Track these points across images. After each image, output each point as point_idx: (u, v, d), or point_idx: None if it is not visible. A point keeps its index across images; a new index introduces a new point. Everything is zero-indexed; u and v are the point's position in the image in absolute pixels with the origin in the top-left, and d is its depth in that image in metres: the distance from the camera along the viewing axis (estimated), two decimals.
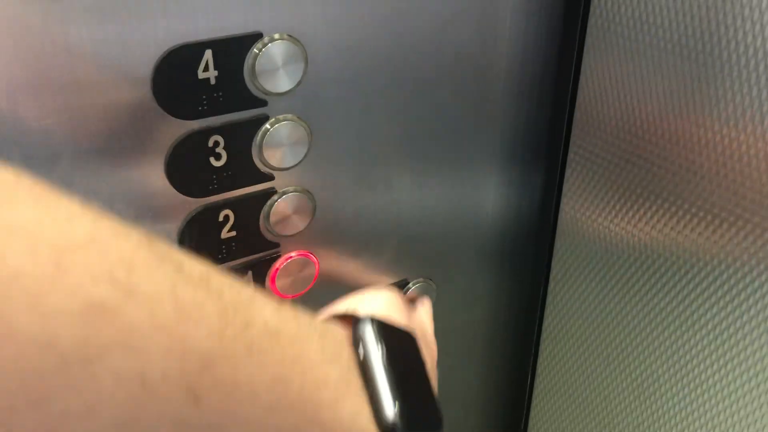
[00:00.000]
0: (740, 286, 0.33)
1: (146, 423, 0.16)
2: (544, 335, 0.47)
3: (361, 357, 0.24)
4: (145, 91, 0.28)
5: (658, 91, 0.34)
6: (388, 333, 0.26)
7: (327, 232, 0.37)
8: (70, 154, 0.28)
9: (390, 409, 0.23)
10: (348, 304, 0.31)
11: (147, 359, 0.16)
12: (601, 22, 0.36)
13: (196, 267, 0.19)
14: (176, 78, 0.28)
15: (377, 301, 0.30)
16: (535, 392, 0.49)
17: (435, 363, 0.30)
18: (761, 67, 0.29)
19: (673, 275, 0.37)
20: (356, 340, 0.25)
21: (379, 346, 0.25)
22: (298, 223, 0.35)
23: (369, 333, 0.25)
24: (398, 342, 0.26)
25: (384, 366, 0.24)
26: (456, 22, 0.35)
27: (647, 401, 0.42)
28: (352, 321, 0.26)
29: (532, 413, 0.51)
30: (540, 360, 0.48)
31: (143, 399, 0.16)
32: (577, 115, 0.40)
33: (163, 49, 0.27)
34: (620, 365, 0.42)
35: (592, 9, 0.36)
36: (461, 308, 0.46)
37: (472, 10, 0.35)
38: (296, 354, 0.21)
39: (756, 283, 0.33)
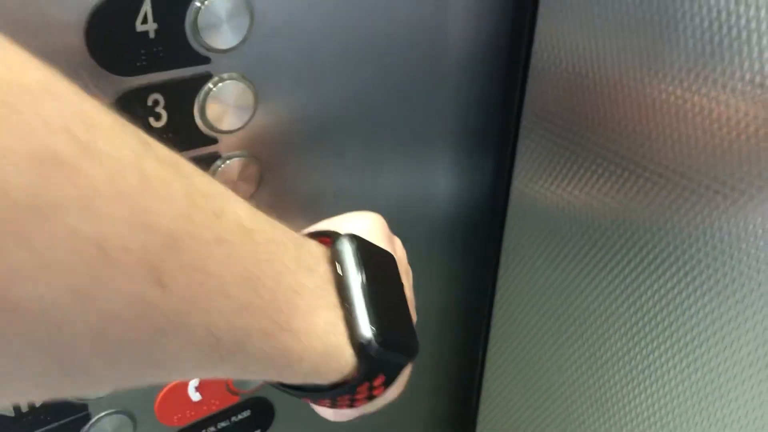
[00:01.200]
0: (692, 250, 0.33)
1: (103, 296, 0.15)
2: (495, 309, 0.47)
3: (340, 273, 0.23)
4: (79, 42, 0.26)
5: (610, 55, 0.34)
6: (369, 252, 0.25)
7: (272, 200, 0.35)
8: None
9: (366, 327, 0.22)
10: (330, 223, 0.30)
11: (106, 226, 0.14)
12: None
13: (164, 149, 0.17)
14: (112, 30, 0.27)
15: (360, 222, 0.29)
16: (487, 368, 0.49)
17: (411, 290, 0.29)
18: (714, 27, 0.29)
19: (625, 243, 0.37)
20: (335, 257, 0.24)
21: (359, 264, 0.23)
22: (243, 191, 0.33)
23: (348, 250, 0.24)
24: (378, 262, 0.25)
25: (362, 283, 0.23)
26: (413, 16, 0.34)
27: (600, 372, 0.42)
28: (331, 239, 0.24)
29: (484, 388, 0.51)
30: (492, 333, 0.48)
31: (101, 269, 0.14)
32: (528, 87, 0.40)
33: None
34: (572, 337, 0.42)
35: None
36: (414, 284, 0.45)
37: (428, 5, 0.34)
38: (270, 256, 0.20)
39: (708, 247, 0.33)
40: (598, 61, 0.35)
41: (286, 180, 0.35)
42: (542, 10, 0.37)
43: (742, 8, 0.28)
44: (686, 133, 0.32)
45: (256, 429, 0.42)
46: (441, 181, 0.43)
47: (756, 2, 0.28)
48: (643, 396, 0.39)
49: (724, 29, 0.29)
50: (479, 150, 0.43)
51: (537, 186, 0.41)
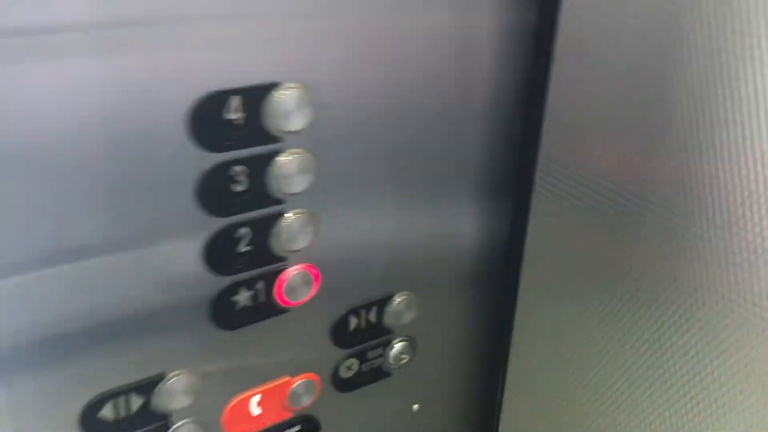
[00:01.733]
0: (711, 302, 0.40)
1: None
2: (513, 348, 0.53)
3: None
4: (180, 127, 0.34)
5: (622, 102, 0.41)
6: None
7: (327, 249, 0.42)
8: (112, 183, 0.34)
9: None
10: None
11: None
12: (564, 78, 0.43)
13: None
14: (209, 118, 0.34)
15: None
16: (506, 391, 0.55)
17: None
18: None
19: (639, 288, 0.43)
20: None
21: None
22: (303, 241, 0.41)
23: None
24: None
25: None
26: (438, 77, 0.42)
27: (612, 416, 0.48)
28: None
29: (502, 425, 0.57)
30: (510, 370, 0.54)
31: None
32: (540, 156, 0.46)
33: (200, 92, 0.34)
34: (585, 379, 0.48)
35: (555, 60, 0.43)
36: (442, 319, 0.52)
37: (453, 68, 0.42)
38: None
39: (725, 300, 0.39)
40: (611, 108, 0.41)
41: (337, 233, 0.42)
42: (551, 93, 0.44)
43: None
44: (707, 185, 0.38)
45: None
46: (463, 225, 0.49)
47: None
48: None
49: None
50: (498, 196, 0.50)
51: (553, 229, 0.47)
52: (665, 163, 0.39)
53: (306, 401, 0.47)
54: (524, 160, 0.48)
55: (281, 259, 0.41)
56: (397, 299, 0.47)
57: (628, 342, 0.45)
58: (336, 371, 0.47)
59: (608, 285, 0.45)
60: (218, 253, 0.38)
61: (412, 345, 0.50)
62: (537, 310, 0.51)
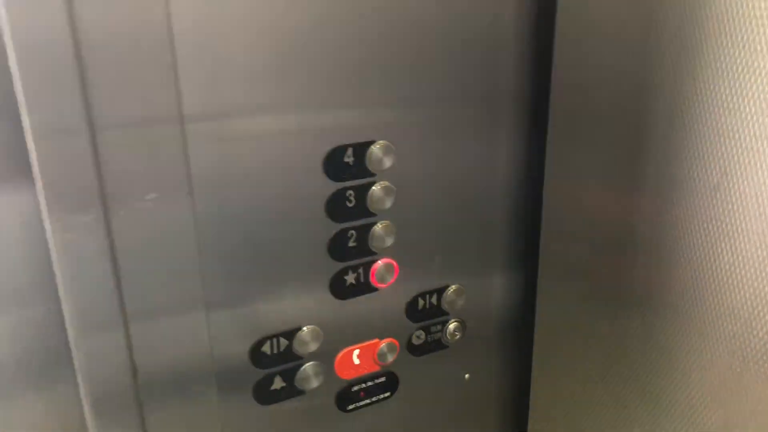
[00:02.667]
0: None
1: None
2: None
3: None
4: (319, 166, 0.57)
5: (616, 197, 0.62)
6: None
7: (403, 249, 0.65)
8: (280, 201, 0.57)
9: None
10: None
11: None
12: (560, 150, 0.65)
13: None
14: (335, 161, 0.58)
15: None
16: (534, 368, 0.75)
17: None
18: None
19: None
20: None
21: None
22: (388, 242, 0.63)
23: None
24: None
25: None
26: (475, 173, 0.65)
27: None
28: None
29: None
30: (536, 341, 0.74)
31: None
32: (543, 227, 0.68)
33: (330, 145, 0.57)
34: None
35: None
36: (485, 306, 0.73)
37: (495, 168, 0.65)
38: None
39: None
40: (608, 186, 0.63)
41: (412, 238, 0.65)
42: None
43: None
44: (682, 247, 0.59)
45: (387, 391, 0.70)
46: (499, 235, 0.71)
47: None
48: None
49: None
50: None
51: (560, 302, 0.68)
52: None
53: (389, 359, 0.68)
54: (532, 233, 0.70)
55: (374, 253, 0.63)
56: (451, 288, 0.69)
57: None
58: (409, 338, 0.69)
59: (620, 360, 0.65)
60: (336, 246, 0.61)
61: (462, 325, 0.71)
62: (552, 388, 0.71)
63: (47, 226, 0.49)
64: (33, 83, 0.45)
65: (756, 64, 0.48)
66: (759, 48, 0.48)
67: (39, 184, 0.48)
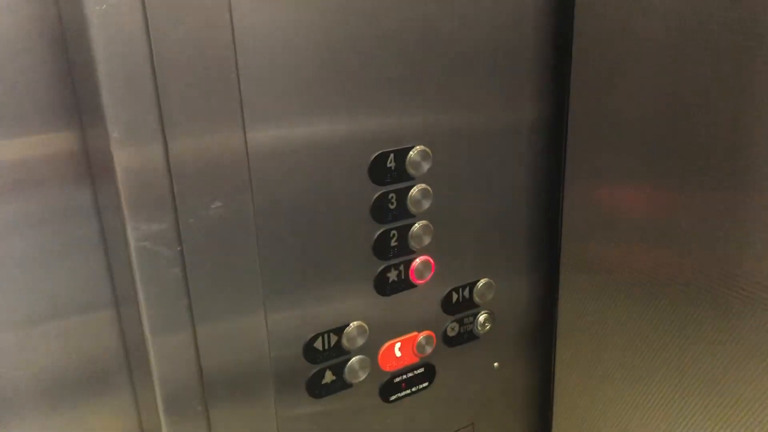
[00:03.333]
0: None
1: None
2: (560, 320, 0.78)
3: None
4: (365, 171, 0.62)
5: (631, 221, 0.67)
6: None
7: (439, 247, 0.69)
8: (327, 204, 0.61)
9: None
10: None
11: None
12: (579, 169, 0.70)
13: None
14: (379, 166, 0.62)
15: None
16: (557, 359, 0.79)
17: None
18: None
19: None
20: None
21: None
22: (426, 241, 0.68)
23: None
24: None
25: None
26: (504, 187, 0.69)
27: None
28: None
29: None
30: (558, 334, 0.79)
31: None
32: (564, 224, 0.73)
33: (374, 151, 0.62)
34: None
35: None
36: (513, 299, 0.78)
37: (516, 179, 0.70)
38: None
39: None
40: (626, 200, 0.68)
41: (445, 238, 0.69)
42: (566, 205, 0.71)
43: None
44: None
45: (425, 381, 0.74)
46: (524, 235, 0.76)
47: None
48: None
49: None
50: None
51: (582, 305, 0.73)
52: None
53: (428, 351, 0.72)
54: (551, 240, 0.75)
55: (413, 251, 0.68)
56: (482, 282, 0.74)
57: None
58: (444, 331, 0.73)
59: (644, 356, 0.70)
60: (380, 246, 0.65)
61: (492, 317, 0.76)
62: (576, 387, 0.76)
63: (128, 233, 0.53)
64: (115, 94, 0.49)
65: None
66: None
67: (121, 193, 0.52)
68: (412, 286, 0.69)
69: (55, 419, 0.67)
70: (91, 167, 0.60)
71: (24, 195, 0.59)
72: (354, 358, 0.68)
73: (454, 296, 0.72)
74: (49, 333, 0.63)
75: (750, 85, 0.55)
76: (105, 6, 0.48)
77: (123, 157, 0.51)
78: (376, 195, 0.63)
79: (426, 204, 0.66)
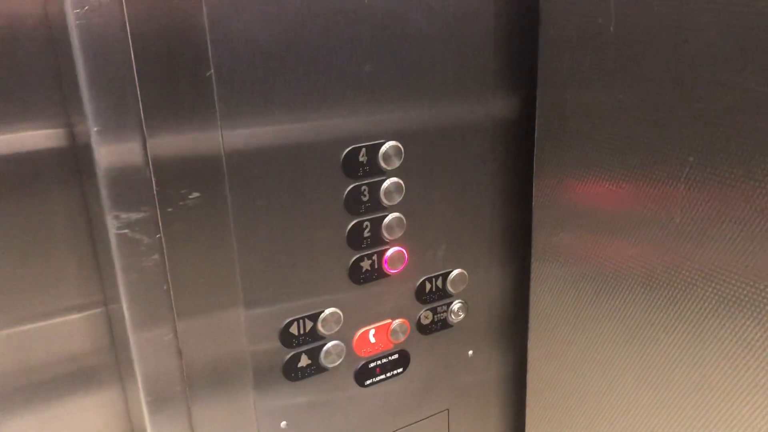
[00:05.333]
0: None
1: None
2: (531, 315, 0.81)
3: None
4: (338, 165, 0.65)
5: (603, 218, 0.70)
6: None
7: (412, 238, 0.72)
8: (304, 196, 0.65)
9: None
10: None
11: None
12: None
13: None
14: (353, 160, 0.65)
15: None
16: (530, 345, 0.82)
17: None
18: None
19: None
20: None
21: None
22: (398, 233, 0.71)
23: None
24: None
25: None
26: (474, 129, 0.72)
27: None
28: None
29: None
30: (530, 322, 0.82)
31: None
32: (534, 217, 0.76)
33: (347, 146, 0.65)
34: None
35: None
36: (486, 289, 0.81)
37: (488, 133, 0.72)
38: None
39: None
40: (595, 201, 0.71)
41: (418, 230, 0.72)
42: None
43: None
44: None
45: (400, 367, 0.77)
46: (499, 221, 0.79)
47: None
48: None
49: None
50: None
51: (552, 296, 0.76)
52: None
53: (401, 338, 0.75)
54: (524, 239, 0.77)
55: (386, 242, 0.71)
56: (454, 273, 0.77)
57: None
58: (418, 319, 0.76)
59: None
60: (353, 237, 0.68)
61: (465, 306, 0.79)
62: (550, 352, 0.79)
63: (108, 221, 0.56)
64: (96, 90, 0.53)
65: None
66: None
67: (101, 183, 0.55)
68: (386, 275, 0.72)
69: (46, 416, 0.71)
70: (78, 163, 0.63)
71: (15, 191, 0.63)
72: (329, 343, 0.71)
73: (428, 286, 0.75)
74: (40, 331, 0.67)
75: (711, 77, 0.57)
76: (87, 7, 0.51)
77: (104, 150, 0.54)
78: (349, 188, 0.66)
79: (398, 197, 0.69)
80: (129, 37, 0.52)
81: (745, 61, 0.54)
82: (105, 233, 0.58)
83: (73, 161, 0.64)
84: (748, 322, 0.59)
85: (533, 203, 0.77)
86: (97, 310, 0.70)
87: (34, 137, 0.62)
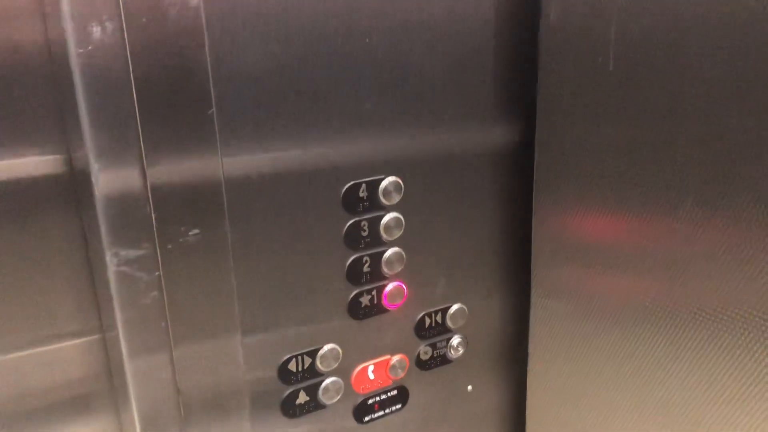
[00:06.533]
0: None
1: None
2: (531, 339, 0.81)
3: None
4: (338, 201, 0.65)
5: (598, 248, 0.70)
6: None
7: (412, 273, 0.72)
8: (308, 234, 0.64)
9: None
10: None
11: None
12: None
13: None
14: (351, 196, 0.65)
15: None
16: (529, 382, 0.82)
17: None
18: None
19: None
20: None
21: None
22: (398, 267, 0.70)
23: None
24: None
25: None
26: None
27: None
28: None
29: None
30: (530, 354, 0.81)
31: None
32: (534, 251, 0.76)
33: (347, 182, 0.65)
34: None
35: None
36: (486, 324, 0.80)
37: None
38: None
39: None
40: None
41: (417, 265, 0.72)
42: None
43: None
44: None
45: (399, 403, 0.76)
46: (497, 257, 0.79)
47: None
48: None
49: None
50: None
51: (552, 331, 0.76)
52: None
53: (400, 374, 0.75)
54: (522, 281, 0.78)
55: (385, 277, 0.70)
56: (454, 307, 0.76)
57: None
58: (418, 354, 0.76)
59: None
60: (352, 272, 0.68)
61: (465, 341, 0.79)
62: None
63: (107, 259, 0.56)
64: (97, 124, 0.53)
65: None
66: None
67: (100, 219, 0.55)
68: (385, 311, 0.72)
69: None
70: (77, 192, 0.63)
71: (13, 218, 0.62)
72: (328, 380, 0.70)
73: (427, 321, 0.75)
74: (35, 358, 0.66)
75: (709, 117, 0.58)
76: (90, 47, 0.51)
77: (104, 187, 0.54)
78: (349, 223, 0.66)
79: (398, 232, 0.69)
80: (131, 75, 0.52)
81: (743, 102, 0.55)
82: (103, 269, 0.58)
83: (73, 190, 0.64)
84: (746, 359, 0.59)
85: (533, 237, 0.76)
86: (94, 337, 0.69)
87: (33, 164, 0.62)
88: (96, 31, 0.51)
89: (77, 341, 0.69)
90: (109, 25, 0.51)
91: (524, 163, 0.75)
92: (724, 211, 0.59)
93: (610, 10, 0.63)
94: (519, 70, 0.72)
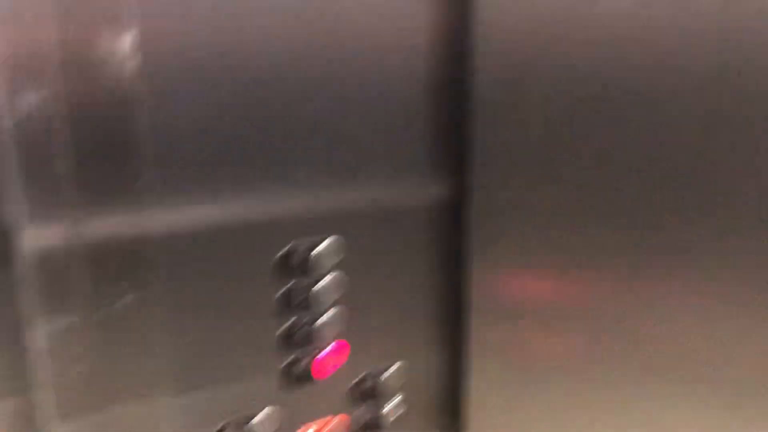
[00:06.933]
0: None
1: None
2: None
3: None
4: (273, 264, 0.65)
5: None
6: None
7: (353, 334, 0.72)
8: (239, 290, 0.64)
9: None
10: None
11: None
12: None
13: None
14: (287, 259, 0.65)
15: None
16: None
17: None
18: None
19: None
20: None
21: None
22: (335, 329, 0.70)
23: None
24: None
25: None
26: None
27: None
28: None
29: None
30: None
31: None
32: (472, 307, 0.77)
33: (283, 245, 0.65)
34: None
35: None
36: (425, 383, 0.80)
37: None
38: None
39: None
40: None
41: (358, 327, 0.72)
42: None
43: None
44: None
45: None
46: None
47: None
48: None
49: None
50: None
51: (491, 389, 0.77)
52: None
53: None
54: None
55: (323, 339, 0.70)
56: (394, 367, 0.76)
57: None
58: (357, 416, 0.75)
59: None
60: (289, 335, 0.68)
61: (405, 401, 0.78)
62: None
63: (36, 327, 0.55)
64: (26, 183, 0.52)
65: None
66: None
67: (27, 285, 0.54)
68: (323, 373, 0.71)
69: None
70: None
71: None
72: None
73: (367, 382, 0.75)
74: None
75: (636, 186, 0.60)
76: (24, 115, 0.51)
77: (32, 251, 0.53)
78: (285, 287, 0.66)
79: (335, 294, 0.69)
80: (65, 132, 0.52)
81: (667, 172, 0.57)
82: (32, 337, 0.56)
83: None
84: (684, 415, 0.61)
85: (471, 295, 0.78)
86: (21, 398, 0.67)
87: None
88: (29, 98, 0.51)
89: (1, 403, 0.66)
90: (42, 92, 0.52)
91: (463, 216, 0.77)
92: (651, 272, 0.62)
93: (539, 74, 0.66)
94: (455, 132, 0.74)
